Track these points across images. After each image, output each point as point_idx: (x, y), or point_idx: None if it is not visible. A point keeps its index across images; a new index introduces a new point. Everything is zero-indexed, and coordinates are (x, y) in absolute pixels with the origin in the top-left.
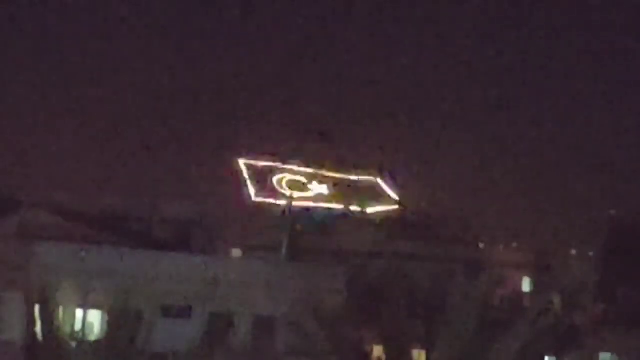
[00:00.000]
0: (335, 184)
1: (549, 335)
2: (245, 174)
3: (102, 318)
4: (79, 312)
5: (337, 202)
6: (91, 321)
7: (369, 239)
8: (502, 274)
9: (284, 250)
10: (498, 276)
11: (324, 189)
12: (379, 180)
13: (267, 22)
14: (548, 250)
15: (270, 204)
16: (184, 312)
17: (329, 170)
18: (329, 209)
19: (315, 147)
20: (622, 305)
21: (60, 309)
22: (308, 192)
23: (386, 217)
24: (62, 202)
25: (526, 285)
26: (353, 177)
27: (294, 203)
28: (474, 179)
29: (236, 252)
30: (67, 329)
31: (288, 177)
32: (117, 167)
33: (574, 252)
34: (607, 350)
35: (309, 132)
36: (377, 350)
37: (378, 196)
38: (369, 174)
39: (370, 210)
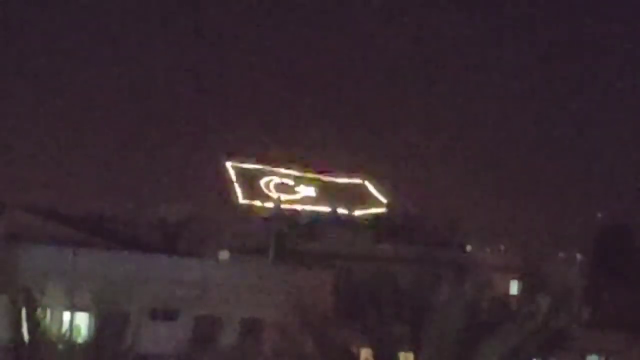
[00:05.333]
0: (323, 186)
1: (536, 338)
2: (233, 177)
3: (90, 320)
4: (66, 315)
5: (325, 204)
6: (78, 324)
7: (356, 241)
8: (489, 277)
9: (271, 253)
10: (485, 279)
11: (311, 192)
12: (367, 183)
13: (258, 25)
14: (535, 253)
15: (257, 207)
16: (172, 315)
17: (317, 172)
18: (317, 211)
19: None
20: (609, 307)
21: (48, 312)
22: (295, 195)
23: (373, 220)
24: (50, 205)
25: (513, 288)
26: (340, 180)
27: (282, 205)
28: (461, 182)
29: (224, 255)
30: (54, 332)
31: (275, 179)
32: (105, 170)
33: (561, 255)
34: (595, 353)
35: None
36: (365, 353)
37: (365, 199)
38: (357, 177)
39: (357, 212)
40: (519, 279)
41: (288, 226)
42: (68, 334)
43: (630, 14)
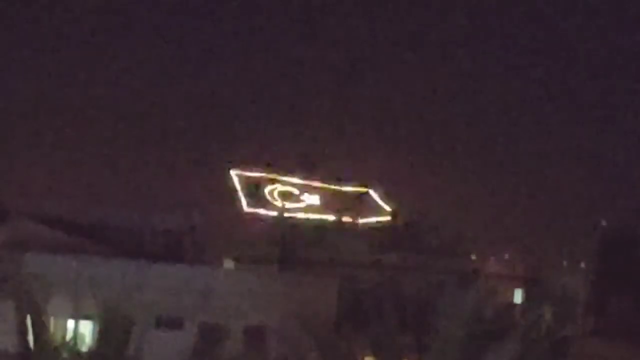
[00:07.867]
0: (327, 194)
1: (541, 347)
2: (237, 185)
3: (94, 329)
4: (70, 323)
5: (329, 213)
6: (82, 332)
7: (361, 250)
8: (493, 285)
9: (275, 261)
10: (489, 288)
11: (315, 200)
12: (371, 191)
13: (260, 33)
14: (539, 262)
15: (262, 215)
16: (176, 323)
17: (321, 181)
18: (321, 219)
19: (307, 158)
20: (614, 316)
21: (52, 320)
22: (300, 203)
23: (378, 228)
24: (53, 212)
25: (518, 297)
26: (345, 188)
27: (286, 214)
28: (466, 190)
29: (228, 263)
30: (59, 340)
31: (280, 187)
32: (108, 177)
33: (565, 263)
34: None
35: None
36: None
37: (370, 207)
38: (361, 185)
39: (362, 221)
40: (523, 287)
41: (292, 234)
42: (72, 342)
43: (631, 15)
